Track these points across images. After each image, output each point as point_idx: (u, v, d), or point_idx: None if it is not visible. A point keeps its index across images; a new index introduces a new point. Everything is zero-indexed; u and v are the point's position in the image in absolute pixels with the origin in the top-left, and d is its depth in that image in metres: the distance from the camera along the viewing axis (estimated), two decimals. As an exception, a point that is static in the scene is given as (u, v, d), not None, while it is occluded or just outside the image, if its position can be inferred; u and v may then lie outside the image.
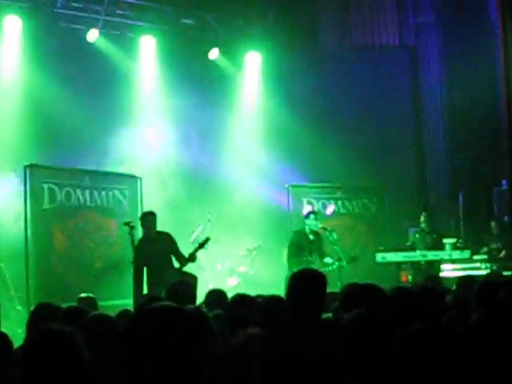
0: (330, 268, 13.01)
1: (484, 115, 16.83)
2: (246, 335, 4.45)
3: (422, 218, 15.26)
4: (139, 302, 10.28)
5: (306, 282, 5.21)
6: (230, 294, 6.86)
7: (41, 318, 6.11)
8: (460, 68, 17.30)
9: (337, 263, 13.12)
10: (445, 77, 18.08)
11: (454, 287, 8.20)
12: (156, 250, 11.30)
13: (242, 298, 5.95)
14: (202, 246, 11.50)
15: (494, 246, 15.04)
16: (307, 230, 13.57)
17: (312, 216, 13.69)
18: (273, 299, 5.69)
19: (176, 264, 11.42)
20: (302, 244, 13.43)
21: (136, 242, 11.24)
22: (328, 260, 13.30)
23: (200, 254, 12.91)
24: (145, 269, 11.30)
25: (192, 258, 11.24)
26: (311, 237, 13.53)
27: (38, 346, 3.49)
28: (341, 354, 3.61)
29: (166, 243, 11.52)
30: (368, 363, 3.45)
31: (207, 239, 11.61)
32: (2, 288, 13.39)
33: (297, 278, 5.32)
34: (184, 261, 11.27)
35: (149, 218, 11.70)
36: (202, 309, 5.76)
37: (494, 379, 3.14)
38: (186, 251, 11.40)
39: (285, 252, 13.81)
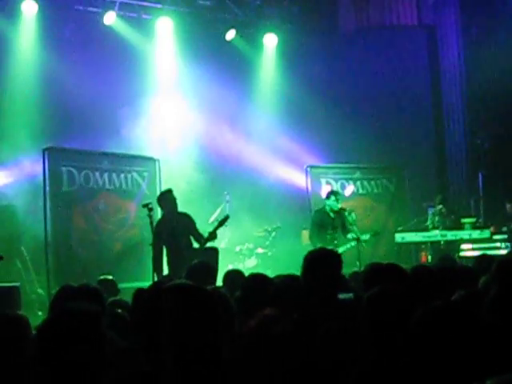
0: (353, 244, 13.02)
1: (504, 95, 16.67)
2: (263, 316, 4.43)
3: (437, 201, 15.23)
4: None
5: (320, 261, 5.20)
6: (248, 276, 6.86)
7: (64, 299, 6.12)
8: (479, 47, 17.15)
9: (362, 236, 13.11)
10: (464, 56, 17.93)
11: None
12: (176, 229, 11.30)
13: (258, 278, 5.93)
14: (221, 223, 11.46)
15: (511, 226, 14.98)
16: (327, 209, 13.56)
17: (333, 197, 13.65)
18: (288, 278, 5.67)
19: (195, 244, 11.42)
20: (324, 222, 13.43)
21: (155, 224, 11.23)
22: (352, 235, 13.28)
23: (219, 236, 12.99)
24: (164, 249, 11.32)
25: (212, 236, 11.21)
26: (332, 215, 13.51)
27: (56, 324, 3.47)
28: (363, 331, 3.59)
29: (186, 223, 11.51)
30: (389, 339, 3.44)
31: (227, 217, 11.59)
32: (22, 271, 13.46)
33: (311, 257, 5.30)
34: (203, 240, 11.26)
35: (168, 196, 11.67)
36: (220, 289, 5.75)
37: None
38: (205, 232, 11.39)
39: (305, 233, 13.80)
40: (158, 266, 11.11)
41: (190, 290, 2.75)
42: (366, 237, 13.23)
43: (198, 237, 11.41)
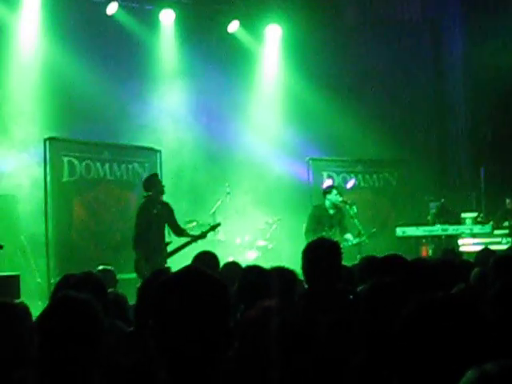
0: (350, 243, 12.95)
1: (507, 89, 16.63)
2: (262, 307, 4.42)
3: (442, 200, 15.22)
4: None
5: (319, 251, 5.20)
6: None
7: (66, 288, 6.11)
8: (482, 41, 17.08)
9: (357, 239, 13.04)
10: (467, 50, 17.87)
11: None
12: (159, 215, 11.43)
13: (256, 270, 5.92)
14: (213, 228, 11.84)
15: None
16: (328, 204, 13.43)
17: (334, 191, 13.52)
18: (283, 270, 5.67)
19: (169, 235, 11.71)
20: (322, 218, 13.31)
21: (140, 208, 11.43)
22: (349, 236, 13.19)
23: (219, 227, 13.02)
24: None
25: (202, 236, 11.49)
26: (331, 211, 13.40)
27: (55, 312, 3.47)
28: (357, 324, 3.59)
29: (165, 212, 11.65)
30: (384, 332, 3.42)
31: (219, 224, 11.83)
32: (22, 260, 13.47)
33: (311, 248, 5.30)
34: (181, 232, 11.62)
35: (155, 180, 11.82)
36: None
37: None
38: (206, 222, 11.51)
39: (304, 226, 13.76)
40: (137, 246, 11.30)
41: (203, 276, 2.72)
42: (363, 239, 13.10)
43: (175, 227, 11.63)
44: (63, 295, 3.64)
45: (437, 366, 2.50)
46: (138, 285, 6.20)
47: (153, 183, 11.76)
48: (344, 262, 6.03)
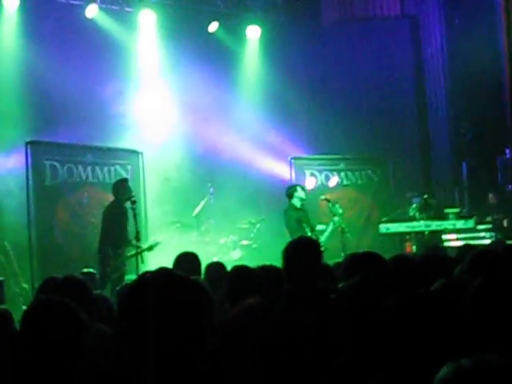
0: (328, 231, 12.96)
1: (486, 84, 16.71)
2: (246, 305, 4.43)
3: (424, 195, 15.23)
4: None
5: (298, 251, 5.21)
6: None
7: (48, 291, 6.11)
8: (462, 37, 17.16)
9: (331, 224, 13.03)
10: (447, 46, 17.95)
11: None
12: (122, 220, 11.61)
13: (240, 270, 5.95)
14: (151, 248, 11.74)
15: (496, 216, 15.02)
16: (297, 203, 13.37)
17: (299, 187, 13.57)
18: (269, 268, 5.69)
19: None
20: (300, 217, 13.27)
21: (137, 217, 11.36)
22: (320, 227, 13.20)
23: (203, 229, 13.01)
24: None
25: (137, 253, 11.32)
26: (299, 206, 13.37)
27: (36, 315, 3.47)
28: (339, 322, 3.60)
29: (127, 216, 11.73)
30: (366, 330, 3.44)
31: (157, 243, 11.82)
32: (6, 265, 13.42)
33: (290, 247, 5.31)
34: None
35: (124, 184, 11.94)
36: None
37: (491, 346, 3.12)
38: (188, 223, 11.50)
39: (286, 232, 13.58)
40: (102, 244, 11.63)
41: (175, 279, 2.74)
42: (338, 221, 13.10)
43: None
44: (41, 299, 3.64)
45: (413, 361, 2.53)
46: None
47: (116, 189, 12.03)
48: (328, 259, 6.06)
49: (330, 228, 13.08)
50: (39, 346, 3.29)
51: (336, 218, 13.15)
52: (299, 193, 13.42)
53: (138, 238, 11.15)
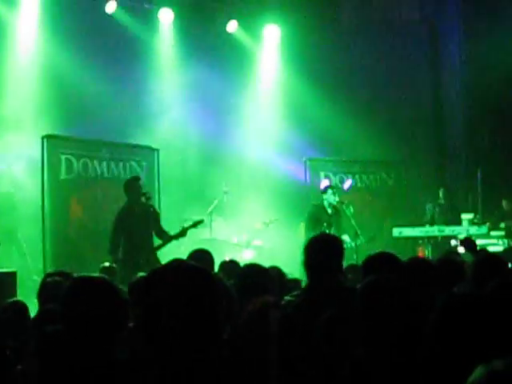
0: (348, 245, 12.97)
1: (504, 90, 16.65)
2: (262, 302, 4.43)
3: (441, 194, 15.26)
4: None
5: (320, 246, 5.19)
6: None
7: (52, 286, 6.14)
8: (480, 42, 17.09)
9: (354, 242, 13.13)
10: (465, 51, 17.90)
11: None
12: (139, 222, 11.38)
13: (254, 268, 5.93)
14: (195, 225, 11.61)
15: (509, 223, 14.98)
16: (325, 203, 13.55)
17: (330, 190, 13.66)
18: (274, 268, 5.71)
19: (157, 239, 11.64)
20: (321, 217, 13.39)
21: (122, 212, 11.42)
22: (345, 238, 13.20)
23: (216, 227, 12.99)
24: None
25: (182, 234, 11.33)
26: (329, 211, 13.49)
27: (78, 292, 3.46)
28: (356, 320, 3.59)
29: (149, 215, 11.59)
30: (381, 329, 3.43)
31: (202, 220, 11.80)
32: (18, 258, 13.46)
33: (312, 242, 5.29)
34: (167, 237, 11.45)
35: (134, 184, 11.78)
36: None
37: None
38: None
39: (302, 226, 13.76)
40: (114, 250, 11.29)
41: (190, 268, 2.74)
42: (360, 240, 13.19)
43: (159, 231, 11.57)
44: (82, 277, 3.64)
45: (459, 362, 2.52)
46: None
47: (128, 188, 11.78)
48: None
49: (351, 244, 13.20)
50: (85, 322, 3.28)
51: (353, 222, 13.21)
52: (327, 195, 13.57)
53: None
